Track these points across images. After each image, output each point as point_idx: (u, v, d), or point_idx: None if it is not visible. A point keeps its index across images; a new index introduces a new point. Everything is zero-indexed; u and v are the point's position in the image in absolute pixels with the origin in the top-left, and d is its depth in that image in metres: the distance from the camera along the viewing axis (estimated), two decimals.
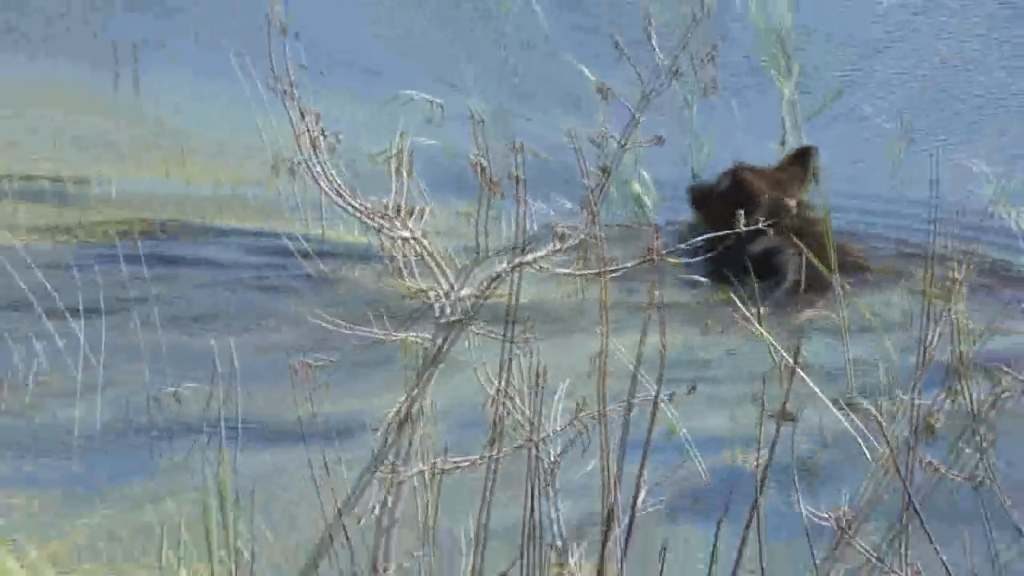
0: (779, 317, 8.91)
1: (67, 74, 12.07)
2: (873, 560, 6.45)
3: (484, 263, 6.74)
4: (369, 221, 6.90)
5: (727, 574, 6.68)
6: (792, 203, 10.00)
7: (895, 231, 10.59)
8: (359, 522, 7.01)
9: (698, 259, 7.82)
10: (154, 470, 8.58)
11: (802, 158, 10.33)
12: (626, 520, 6.78)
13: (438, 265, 6.90)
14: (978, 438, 6.78)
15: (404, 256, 6.96)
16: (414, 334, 7.03)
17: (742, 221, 8.95)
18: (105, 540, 8.11)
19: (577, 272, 6.90)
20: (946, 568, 6.58)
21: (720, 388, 7.97)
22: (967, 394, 6.64)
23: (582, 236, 6.94)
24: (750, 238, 9.19)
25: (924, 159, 10.71)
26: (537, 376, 6.89)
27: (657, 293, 6.48)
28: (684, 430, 7.14)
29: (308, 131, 6.69)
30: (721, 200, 9.73)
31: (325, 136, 6.75)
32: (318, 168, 6.72)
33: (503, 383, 6.86)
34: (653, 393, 6.72)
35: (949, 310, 6.81)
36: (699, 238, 8.40)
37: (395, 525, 6.89)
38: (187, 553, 7.52)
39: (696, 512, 7.38)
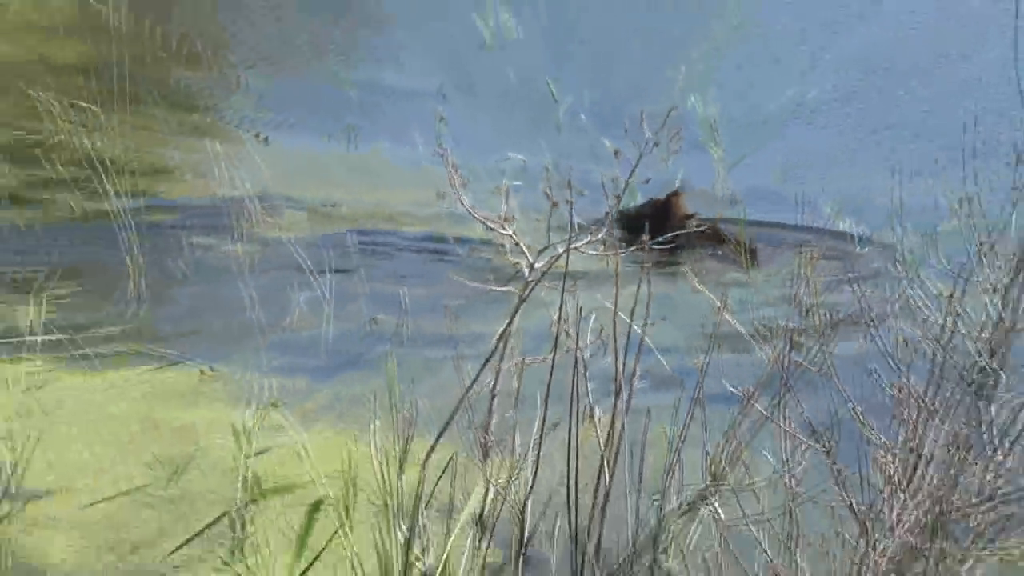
0: (712, 279, 9.01)
1: (319, 143, 12.08)
2: (765, 415, 6.62)
3: (550, 248, 6.97)
4: (488, 224, 7.14)
5: (682, 425, 6.87)
6: (705, 221, 10.15)
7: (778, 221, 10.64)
8: (478, 394, 7.23)
9: (666, 247, 7.93)
10: (362, 364, 8.78)
11: (678, 196, 10.09)
12: (627, 392, 7.01)
13: (524, 249, 7.16)
14: (824, 347, 6.93)
15: (506, 244, 7.22)
16: (511, 287, 7.27)
17: (694, 226, 9.22)
18: (335, 403, 8.33)
19: (600, 253, 7.15)
20: (809, 421, 6.75)
21: (679, 320, 8.12)
22: (819, 321, 6.77)
23: (603, 233, 7.24)
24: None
25: (796, 191, 10.83)
26: (579, 311, 7.14)
27: (645, 266, 6.67)
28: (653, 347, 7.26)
29: (454, 175, 6.98)
30: (658, 212, 9.59)
31: (463, 178, 7.03)
32: (460, 196, 6.98)
33: (560, 315, 7.11)
34: (641, 322, 6.96)
35: (808, 272, 6.98)
36: (671, 234, 8.61)
37: (497, 396, 7.10)
38: (377, 410, 7.72)
39: (667, 390, 7.54)
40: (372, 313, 9.46)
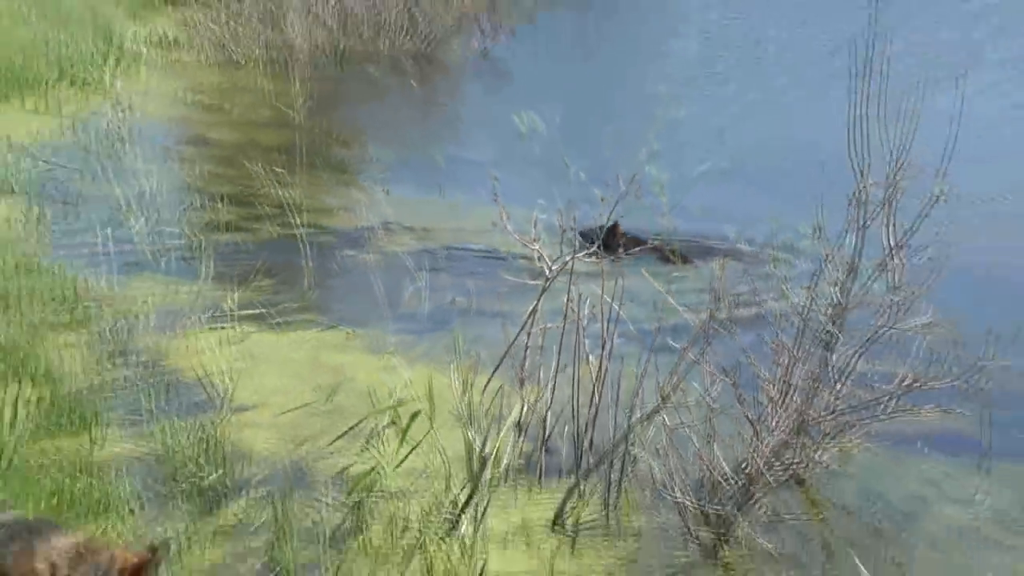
0: (661, 275, 8.88)
1: (420, 194, 11.95)
2: (695, 360, 6.54)
3: (561, 257, 6.91)
4: (523, 242, 7.09)
5: (643, 365, 6.82)
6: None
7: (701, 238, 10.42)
8: (516, 347, 7.19)
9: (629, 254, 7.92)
10: (446, 328, 8.70)
11: (617, 225, 9.45)
12: (609, 346, 6.94)
13: (545, 258, 7.10)
14: (730, 319, 6.89)
15: (534, 255, 7.17)
16: (537, 282, 7.21)
17: (644, 240, 9.12)
18: (428, 352, 8.41)
19: (593, 261, 7.12)
20: (723, 369, 6.68)
21: (640, 301, 8.04)
22: (726, 304, 6.72)
23: (594, 248, 7.18)
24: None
25: (713, 221, 10.69)
26: (579, 296, 7.07)
27: (618, 265, 6.63)
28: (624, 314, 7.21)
29: (503, 212, 6.90)
30: (606, 235, 9.04)
31: (507, 214, 6.96)
32: (506, 224, 6.92)
33: (568, 297, 7.04)
34: (617, 302, 6.90)
35: (720, 272, 6.93)
36: (635, 249, 8.58)
37: (528, 348, 7.06)
38: (455, 356, 7.89)
39: (633, 343, 7.47)
40: (453, 296, 9.37)
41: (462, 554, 6.04)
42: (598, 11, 21.81)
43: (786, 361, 6.62)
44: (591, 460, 6.73)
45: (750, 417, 6.59)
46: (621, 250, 8.63)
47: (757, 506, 6.43)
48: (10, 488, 5.67)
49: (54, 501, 5.79)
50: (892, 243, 6.53)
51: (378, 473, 6.54)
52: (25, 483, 5.85)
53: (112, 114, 13.75)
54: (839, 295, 6.65)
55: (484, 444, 6.51)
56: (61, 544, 4.65)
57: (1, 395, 6.81)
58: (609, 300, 7.20)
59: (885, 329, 6.52)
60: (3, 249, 9.28)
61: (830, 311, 6.65)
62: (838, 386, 6.57)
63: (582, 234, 9.43)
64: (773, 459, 6.41)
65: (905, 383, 6.48)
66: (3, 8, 16.37)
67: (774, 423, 6.48)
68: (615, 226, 9.43)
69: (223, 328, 8.48)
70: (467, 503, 6.29)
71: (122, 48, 16.34)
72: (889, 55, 6.31)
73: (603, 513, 6.55)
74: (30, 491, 5.74)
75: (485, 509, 6.27)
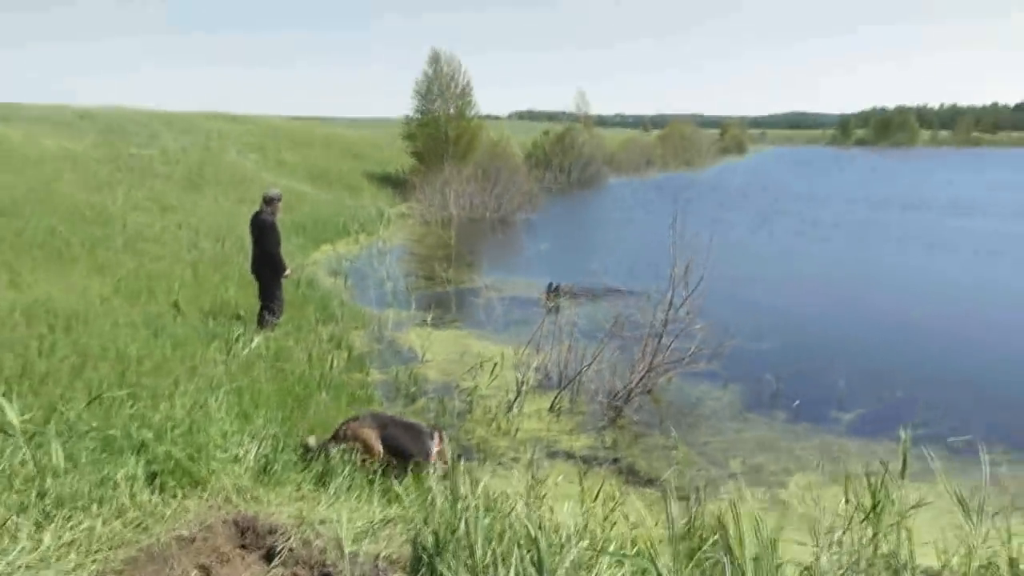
0: (595, 304, 8.58)
1: (501, 274, 11.28)
2: (608, 340, 6.51)
3: (558, 299, 6.81)
4: (541, 294, 6.94)
5: (586, 344, 6.73)
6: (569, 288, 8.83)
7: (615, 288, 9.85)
8: (538, 332, 7.07)
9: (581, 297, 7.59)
10: (513, 328, 8.11)
11: (558, 285, 8.78)
12: (572, 335, 6.83)
13: (551, 298, 7.02)
14: (623, 323, 6.83)
15: (545, 299, 7.06)
16: (544, 309, 7.10)
17: (578, 292, 8.72)
18: (505, 338, 7.90)
19: (565, 300, 6.98)
20: (620, 345, 6.60)
21: (586, 316, 7.93)
22: (621, 318, 6.70)
23: (569, 294, 7.03)
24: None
25: (621, 281, 10.37)
26: (559, 315, 6.94)
27: (579, 302, 6.51)
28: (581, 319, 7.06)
29: (544, 292, 6.81)
30: (555, 290, 8.66)
31: (534, 283, 6.86)
32: (534, 287, 6.82)
33: (556, 316, 6.91)
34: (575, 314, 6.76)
35: (620, 302, 6.88)
36: (583, 292, 8.48)
37: (541, 337, 6.92)
38: (512, 340, 7.46)
39: (583, 334, 7.34)
40: (516, 313, 8.80)
41: (511, 421, 6.05)
42: (576, 201, 22.25)
43: (645, 341, 6.61)
44: (564, 383, 6.69)
45: (631, 365, 6.56)
46: (575, 296, 8.59)
47: (632, 402, 6.40)
48: (331, 395, 5.78)
49: (350, 400, 5.84)
50: (686, 293, 6.55)
51: (479, 387, 6.57)
52: (338, 393, 5.92)
53: (380, 243, 14.23)
54: (666, 314, 6.64)
55: (523, 376, 6.48)
56: (440, 432, 4.30)
57: (331, 356, 6.92)
58: (573, 316, 7.19)
59: (683, 328, 6.57)
60: (336, 296, 9.43)
61: (663, 320, 6.61)
62: (666, 352, 6.53)
63: (548, 287, 9.00)
64: (639, 382, 6.44)
65: (691, 352, 6.51)
66: (340, 200, 16.92)
67: (639, 367, 6.48)
68: (559, 286, 9.10)
69: (420, 327, 8.44)
70: (514, 401, 6.29)
71: (385, 217, 16.86)
72: (683, 223, 6.38)
73: (570, 405, 6.50)
74: (340, 396, 5.84)
75: (522, 403, 6.27)
